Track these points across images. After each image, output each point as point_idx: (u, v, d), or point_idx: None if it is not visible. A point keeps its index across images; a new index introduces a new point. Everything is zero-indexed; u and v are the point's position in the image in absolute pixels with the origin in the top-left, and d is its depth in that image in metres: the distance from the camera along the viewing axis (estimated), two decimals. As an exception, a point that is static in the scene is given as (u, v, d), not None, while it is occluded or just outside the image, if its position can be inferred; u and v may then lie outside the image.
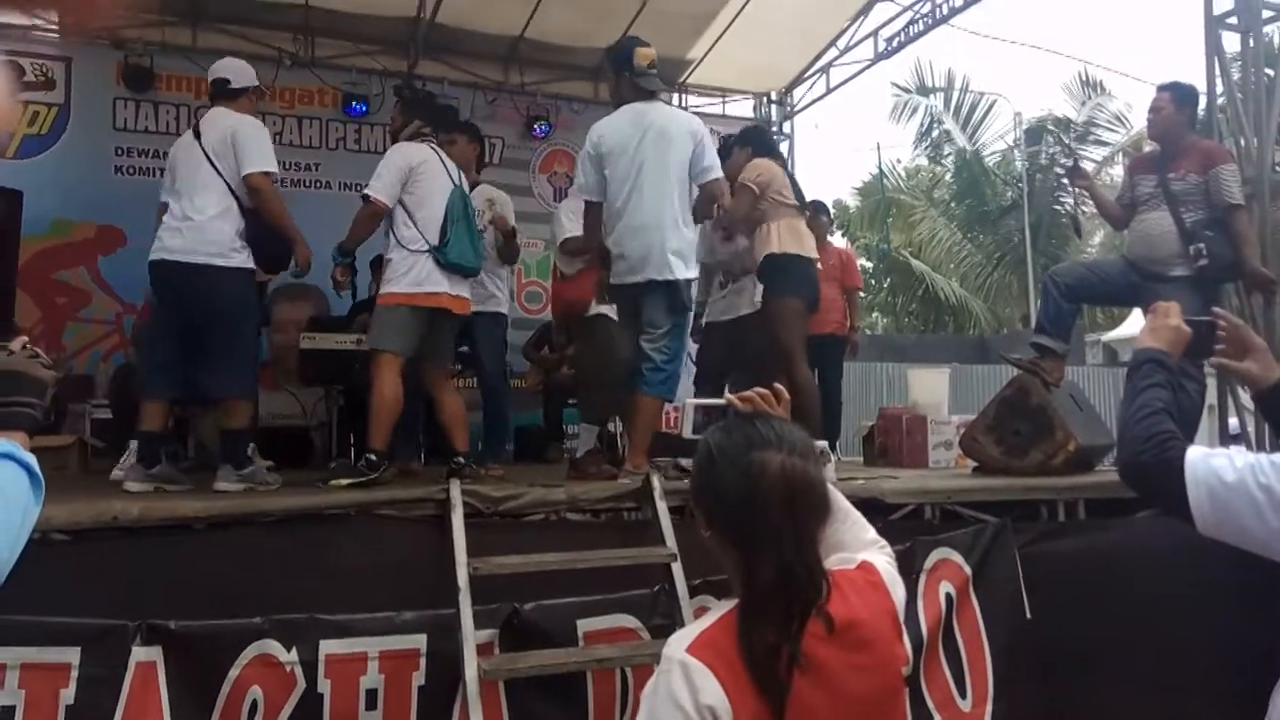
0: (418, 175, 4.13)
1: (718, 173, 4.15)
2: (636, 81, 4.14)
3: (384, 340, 4.04)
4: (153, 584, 2.94)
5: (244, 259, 3.90)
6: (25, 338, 1.60)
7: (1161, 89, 4.57)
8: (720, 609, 1.40)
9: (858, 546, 1.55)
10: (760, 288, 4.81)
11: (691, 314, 4.21)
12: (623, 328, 4.30)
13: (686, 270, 4.05)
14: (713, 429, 1.51)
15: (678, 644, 1.34)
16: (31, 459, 1.48)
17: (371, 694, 2.93)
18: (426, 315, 4.08)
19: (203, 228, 3.81)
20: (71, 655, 2.68)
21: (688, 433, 1.76)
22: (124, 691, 2.71)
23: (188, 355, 3.92)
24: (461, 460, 4.06)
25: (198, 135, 3.97)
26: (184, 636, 2.80)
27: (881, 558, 1.54)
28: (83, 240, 6.60)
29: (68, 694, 2.66)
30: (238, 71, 4.18)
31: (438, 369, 4.28)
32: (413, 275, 4.05)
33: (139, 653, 2.74)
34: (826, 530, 1.46)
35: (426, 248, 4.07)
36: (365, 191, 4.12)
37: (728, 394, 1.59)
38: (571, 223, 4.76)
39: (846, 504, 1.61)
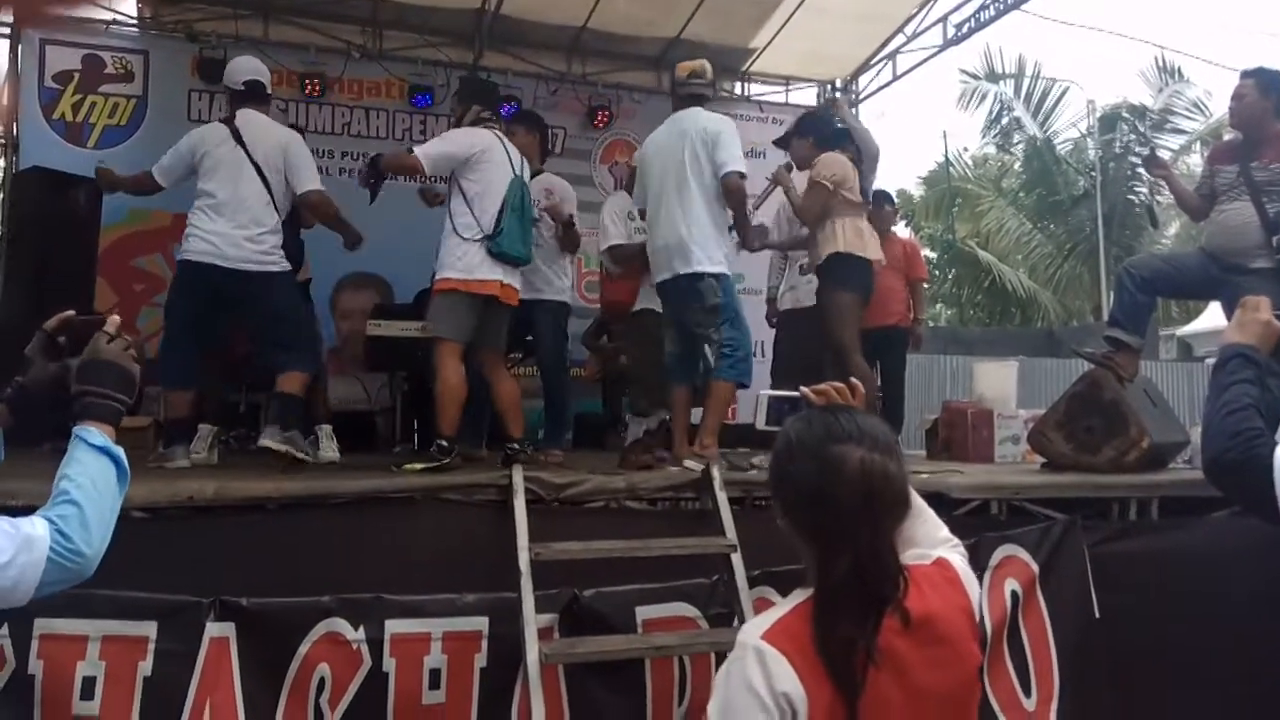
0: (479, 162, 4.17)
1: (731, 166, 4.14)
2: (676, 92, 4.39)
3: (441, 327, 4.13)
4: (226, 562, 3.03)
5: (285, 261, 4.24)
6: (117, 317, 1.64)
7: (1245, 75, 4.40)
8: (796, 597, 1.39)
9: (931, 544, 1.53)
10: None
11: (725, 303, 4.17)
12: (666, 325, 4.42)
13: (711, 265, 4.11)
14: (792, 419, 1.50)
15: (753, 630, 1.34)
16: (120, 452, 1.54)
17: (435, 673, 2.99)
18: (480, 302, 4.14)
19: (265, 243, 4.10)
20: (149, 629, 2.78)
21: (761, 424, 1.75)
22: (198, 665, 2.80)
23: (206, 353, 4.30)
24: (516, 446, 4.11)
25: (239, 140, 4.11)
26: (255, 614, 2.88)
27: (956, 556, 1.52)
28: (158, 228, 6.76)
29: (145, 666, 2.76)
30: (266, 74, 4.38)
31: (492, 354, 4.34)
32: (465, 262, 4.11)
33: (212, 628, 2.84)
34: (902, 526, 1.44)
35: (480, 235, 4.12)
36: (412, 146, 4.25)
37: (802, 387, 1.57)
38: (615, 226, 5.03)
39: (920, 501, 1.58)
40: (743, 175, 4.18)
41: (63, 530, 1.42)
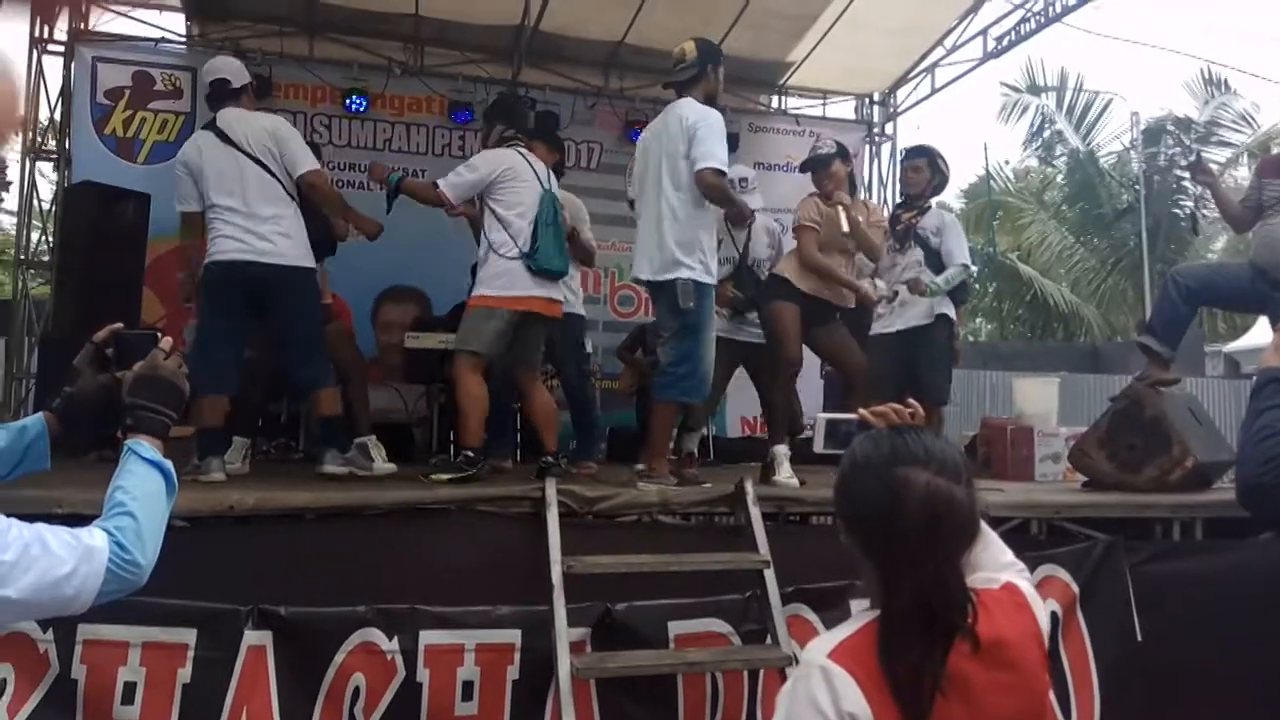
0: (505, 180, 4.19)
1: (704, 163, 3.87)
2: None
3: (470, 342, 4.12)
4: (265, 571, 3.07)
5: (311, 258, 4.20)
6: (170, 339, 1.68)
7: None
8: (861, 618, 1.37)
9: (996, 569, 1.49)
10: (939, 299, 4.85)
11: (701, 316, 3.98)
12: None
13: (682, 271, 3.92)
14: (861, 438, 1.47)
15: (818, 649, 1.33)
16: (170, 466, 1.58)
17: (468, 685, 3.00)
18: (518, 319, 4.15)
19: (289, 232, 4.07)
20: (188, 636, 2.83)
21: (819, 447, 1.75)
22: (236, 672, 2.84)
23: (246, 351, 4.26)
24: (551, 459, 4.12)
25: (225, 139, 4.08)
26: (292, 622, 2.92)
27: (1023, 581, 1.49)
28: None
29: (184, 673, 2.81)
30: (235, 71, 4.34)
31: (528, 369, 4.35)
32: (503, 280, 4.12)
33: (250, 636, 2.88)
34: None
35: (517, 253, 4.13)
36: (437, 180, 4.24)
37: (860, 409, 1.55)
38: None
39: (984, 524, 1.53)
40: (719, 172, 3.90)
41: (120, 542, 1.44)
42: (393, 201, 4.36)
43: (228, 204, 4.04)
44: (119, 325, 1.71)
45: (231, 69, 4.34)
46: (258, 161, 4.06)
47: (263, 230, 4.01)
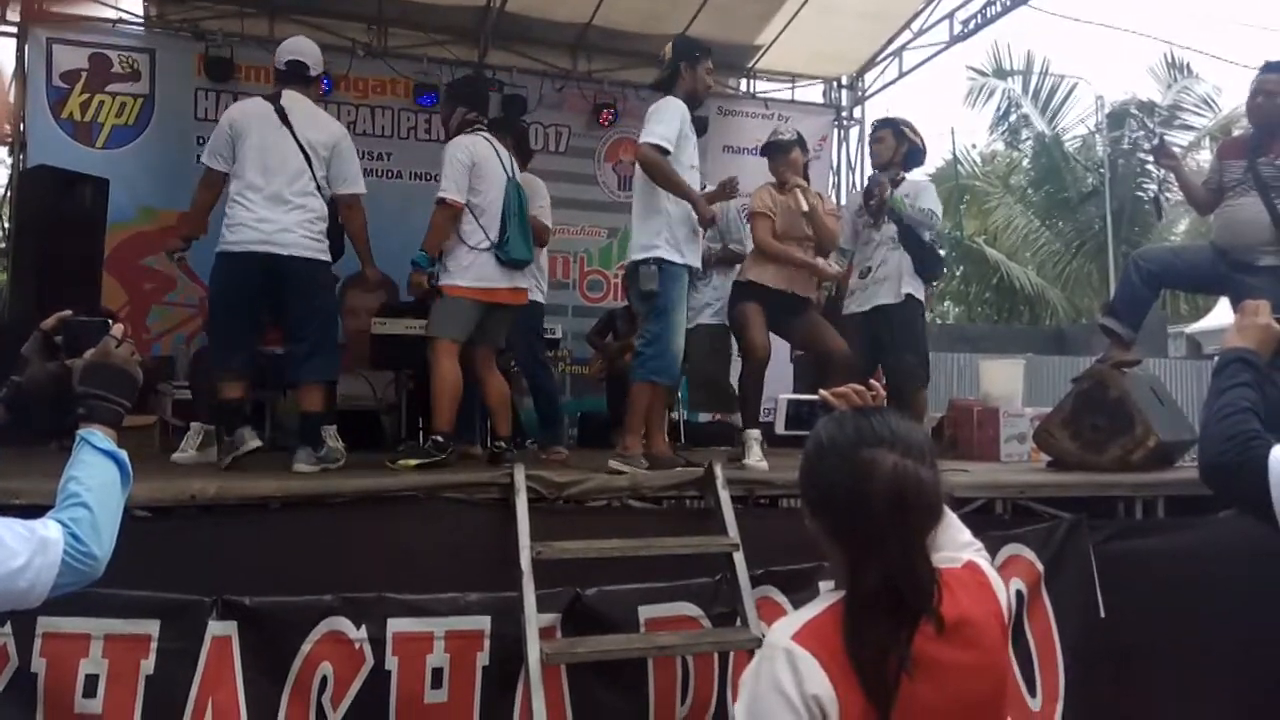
0: (479, 172, 4.18)
1: (642, 138, 3.98)
2: None
3: (445, 329, 4.14)
4: (228, 561, 3.03)
5: (329, 253, 4.14)
6: (122, 325, 1.65)
7: (1272, 70, 4.31)
8: (826, 599, 1.37)
9: (956, 548, 1.50)
10: (907, 279, 4.79)
11: (668, 299, 3.99)
12: None
13: (651, 251, 4.00)
14: (824, 420, 1.46)
15: (782, 631, 1.32)
16: (124, 455, 1.56)
17: (437, 673, 2.99)
18: (486, 307, 4.19)
19: (311, 224, 3.99)
20: (151, 628, 2.79)
21: (780, 428, 1.74)
22: (200, 664, 2.80)
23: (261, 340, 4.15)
24: (502, 445, 4.17)
25: (285, 120, 3.99)
26: (258, 612, 2.89)
27: (983, 560, 1.50)
28: (168, 226, 6.76)
29: (148, 665, 2.77)
30: (314, 58, 4.25)
31: (487, 352, 4.36)
32: (475, 271, 4.14)
33: (215, 627, 2.84)
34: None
35: (488, 244, 4.15)
36: (440, 195, 4.15)
37: (821, 390, 1.55)
38: None
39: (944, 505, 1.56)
40: (659, 148, 3.93)
41: (75, 533, 1.43)
42: (432, 269, 4.27)
43: (258, 180, 3.90)
44: (67, 312, 1.68)
45: (310, 54, 4.24)
46: (305, 153, 3.98)
47: (287, 220, 3.90)
